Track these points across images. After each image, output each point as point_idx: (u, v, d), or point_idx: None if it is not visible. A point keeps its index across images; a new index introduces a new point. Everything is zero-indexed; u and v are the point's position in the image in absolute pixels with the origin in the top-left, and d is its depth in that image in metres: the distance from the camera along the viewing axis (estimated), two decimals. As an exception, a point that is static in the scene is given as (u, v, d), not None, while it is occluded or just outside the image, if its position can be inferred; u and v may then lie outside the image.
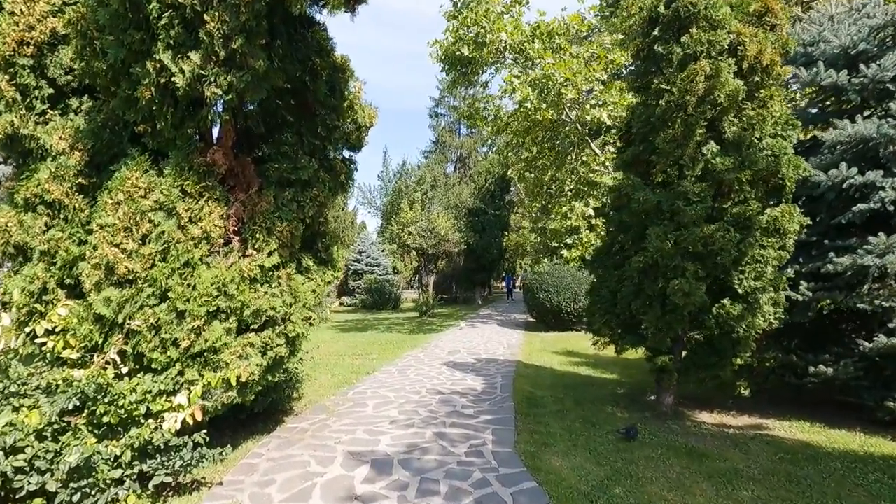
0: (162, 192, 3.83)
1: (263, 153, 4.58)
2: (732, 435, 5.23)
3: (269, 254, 4.18)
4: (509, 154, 17.64)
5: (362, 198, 26.63)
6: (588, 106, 12.00)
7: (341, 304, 25.41)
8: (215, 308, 3.87)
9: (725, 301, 5.20)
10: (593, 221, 14.64)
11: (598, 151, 15.16)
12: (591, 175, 14.92)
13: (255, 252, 4.12)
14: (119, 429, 3.54)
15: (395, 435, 5.05)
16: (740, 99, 5.07)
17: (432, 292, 22.88)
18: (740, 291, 5.18)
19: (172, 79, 3.43)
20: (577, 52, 11.63)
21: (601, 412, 6.10)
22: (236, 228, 4.10)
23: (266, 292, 4.18)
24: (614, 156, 14.51)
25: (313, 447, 4.74)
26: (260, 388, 4.47)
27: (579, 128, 14.77)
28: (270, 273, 4.24)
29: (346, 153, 5.22)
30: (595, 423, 5.60)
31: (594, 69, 11.34)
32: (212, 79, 3.40)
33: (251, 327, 4.16)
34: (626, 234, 6.10)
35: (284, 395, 5.71)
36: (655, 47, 5.43)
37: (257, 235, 4.12)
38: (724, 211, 5.18)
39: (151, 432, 3.47)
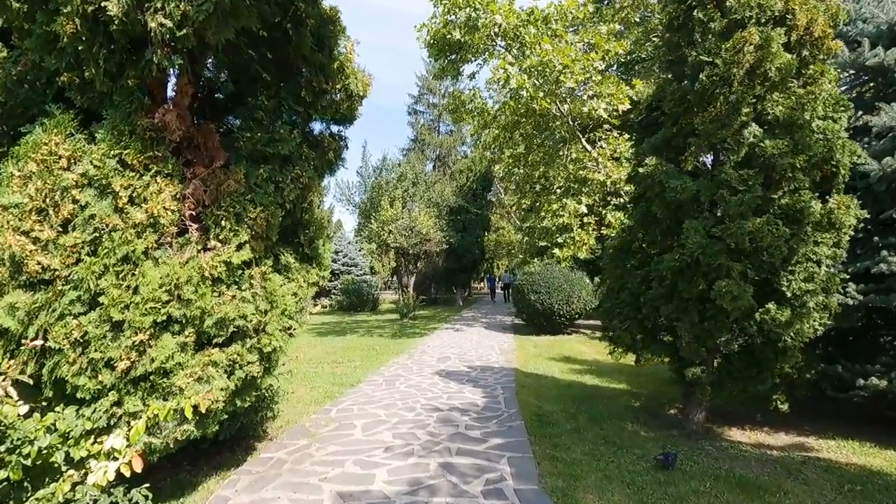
0: (92, 164, 2.88)
1: (232, 123, 3.65)
2: (778, 459, 4.58)
3: (239, 247, 3.26)
4: (496, 149, 16.93)
5: (339, 194, 25.49)
6: (585, 97, 11.37)
7: (323, 306, 24.22)
8: (165, 317, 2.94)
9: (770, 305, 4.54)
10: (585, 220, 14.06)
11: (588, 147, 14.62)
12: (581, 172, 14.34)
13: (219, 244, 3.20)
14: (27, 485, 2.58)
15: (392, 468, 4.19)
16: (791, 75, 4.42)
17: (413, 294, 21.96)
18: (788, 294, 4.54)
19: (103, 4, 2.50)
20: (574, 41, 10.98)
21: (622, 431, 5.38)
22: (195, 214, 3.18)
23: (234, 296, 3.27)
24: (608, 151, 13.99)
25: (293, 486, 3.83)
26: (226, 416, 3.55)
27: (570, 122, 14.18)
28: (240, 272, 3.32)
29: (335, 128, 4.33)
30: (620, 446, 4.87)
31: (592, 58, 10.71)
32: (158, 4, 2.48)
33: (214, 341, 3.24)
34: (651, 229, 5.41)
35: (256, 418, 4.76)
36: (694, 13, 4.73)
37: (223, 223, 3.20)
38: (771, 202, 4.52)
39: (71, 489, 2.53)
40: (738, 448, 4.87)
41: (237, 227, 3.22)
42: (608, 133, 14.31)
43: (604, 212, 13.94)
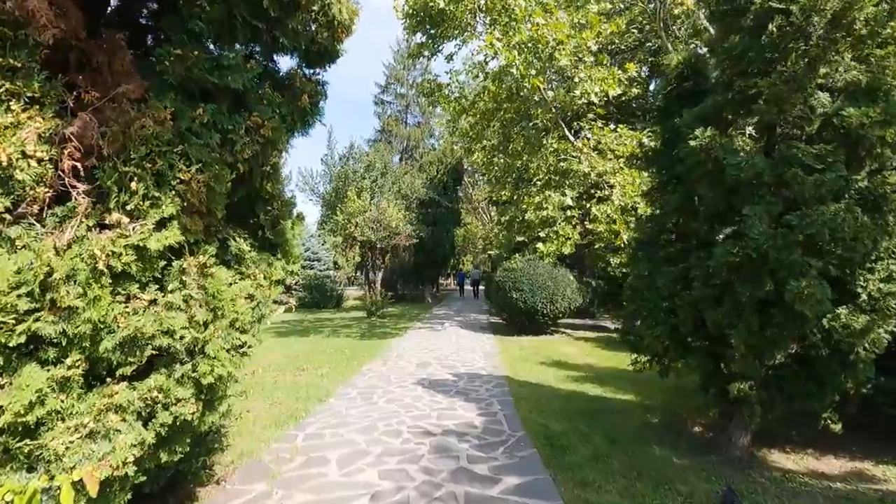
0: None
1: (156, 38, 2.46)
2: (849, 495, 3.81)
3: (160, 224, 2.11)
4: (473, 137, 15.94)
5: (302, 183, 23.82)
6: (576, 79, 10.53)
7: (289, 308, 22.53)
8: (26, 337, 1.76)
9: (842, 310, 3.76)
10: (569, 213, 13.30)
11: (571, 137, 13.87)
12: (561, 164, 13.58)
13: (126, 219, 2.03)
14: None
15: (384, 529, 3.12)
16: (881, 27, 3.63)
17: (381, 290, 20.68)
18: (863, 296, 3.78)
19: None
20: (564, 19, 10.11)
21: (650, 457, 4.51)
22: (83, 168, 1.99)
23: (153, 301, 2.11)
24: (593, 142, 13.28)
25: (246, 569, 2.70)
26: (144, 478, 2.38)
27: (553, 110, 13.38)
28: (162, 263, 2.16)
29: (308, 71, 3.17)
30: (659, 481, 3.98)
31: (586, 37, 9.88)
32: None
33: (120, 372, 2.07)
34: (690, 218, 4.55)
35: (197, 464, 3.56)
36: (762, -51, 3.87)
37: (134, 186, 2.03)
38: (848, 185, 3.73)
39: None
40: (795, 479, 4.09)
41: (158, 194, 2.06)
42: (592, 123, 13.61)
43: (588, 205, 13.22)
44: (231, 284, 2.46)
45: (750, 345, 3.90)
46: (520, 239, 16.11)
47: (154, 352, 2.12)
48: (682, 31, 19.94)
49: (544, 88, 12.23)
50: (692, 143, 3.92)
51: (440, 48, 12.69)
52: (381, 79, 50.54)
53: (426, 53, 13.83)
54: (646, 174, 13.71)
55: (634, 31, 17.68)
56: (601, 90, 10.55)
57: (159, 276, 2.13)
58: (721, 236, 4.11)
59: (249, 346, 2.67)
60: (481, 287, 32.38)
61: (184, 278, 2.21)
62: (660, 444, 4.85)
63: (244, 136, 2.43)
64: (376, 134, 41.18)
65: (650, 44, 19.69)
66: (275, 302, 3.41)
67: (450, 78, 14.62)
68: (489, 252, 46.06)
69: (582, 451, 4.63)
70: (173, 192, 2.10)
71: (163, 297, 2.15)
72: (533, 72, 9.46)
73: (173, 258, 2.21)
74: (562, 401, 6.38)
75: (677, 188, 4.58)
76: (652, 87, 22.01)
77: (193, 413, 2.34)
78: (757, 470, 4.26)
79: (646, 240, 5.00)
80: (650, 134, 13.52)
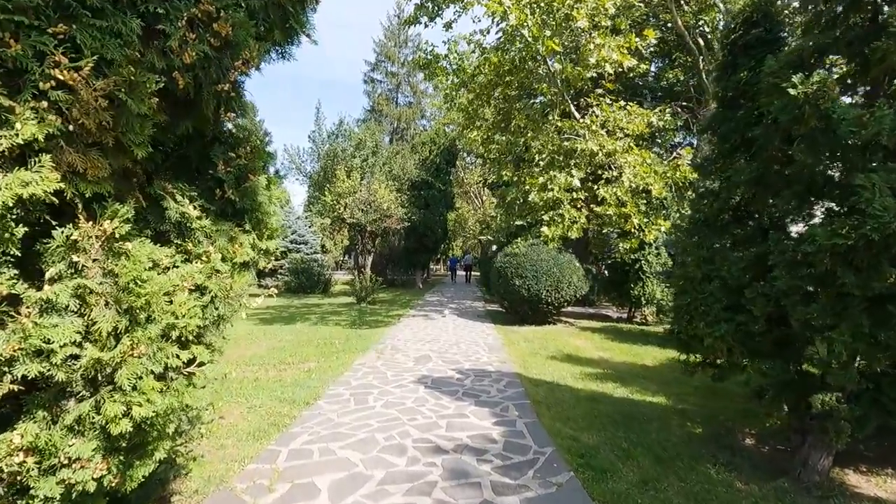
0: None
1: None
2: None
3: (19, 158, 1.15)
4: (472, 114, 14.93)
5: (289, 161, 22.53)
6: (591, 46, 9.55)
7: (267, 287, 21.47)
8: None
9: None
10: (575, 195, 12.43)
11: (577, 115, 12.97)
12: (565, 143, 12.68)
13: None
14: None
15: None
16: None
17: (371, 275, 19.68)
18: None
19: None
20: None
21: (708, 481, 3.74)
22: None
23: (15, 297, 1.17)
24: (600, 119, 12.38)
25: None
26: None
27: (560, 85, 12.43)
28: (34, 230, 1.22)
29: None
30: (732, 516, 3.20)
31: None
32: None
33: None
34: (766, 192, 3.70)
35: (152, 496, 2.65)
36: None
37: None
38: None
39: None
40: (893, 512, 3.34)
41: (8, 102, 1.11)
42: (601, 99, 12.69)
43: (596, 187, 12.38)
44: (167, 270, 1.54)
45: (854, 350, 3.09)
46: (519, 223, 15.28)
47: (17, 387, 1.21)
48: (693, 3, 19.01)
49: (552, 59, 11.26)
50: (792, 91, 3.03)
51: (440, 11, 11.62)
52: (370, 55, 48.89)
53: (423, 19, 12.76)
54: (653, 153, 12.90)
55: (641, 4, 16.74)
56: (618, 59, 9.60)
57: (20, 253, 1.21)
58: (818, 213, 3.27)
59: (203, 364, 1.76)
60: (474, 273, 31.64)
61: (75, 258, 1.30)
62: (714, 462, 4.08)
63: (185, 30, 1.49)
64: (366, 114, 39.90)
65: (655, 20, 18.79)
66: (252, 293, 2.50)
67: (448, 49, 13.59)
68: (479, 237, 45.31)
69: (626, 473, 3.83)
70: (44, 103, 1.17)
71: (33, 291, 1.23)
72: (548, 32, 8.46)
73: (55, 223, 1.29)
74: (586, 405, 5.58)
75: (753, 155, 3.72)
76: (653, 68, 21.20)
77: (101, 476, 1.42)
78: (840, 499, 3.50)
79: (703, 220, 4.15)
80: (658, 112, 12.72)
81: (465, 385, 6.21)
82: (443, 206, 25.92)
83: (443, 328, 11.23)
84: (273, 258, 2.18)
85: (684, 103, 19.13)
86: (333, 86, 64.95)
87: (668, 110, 13.39)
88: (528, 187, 12.92)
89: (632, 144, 12.17)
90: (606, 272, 14.45)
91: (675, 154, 13.84)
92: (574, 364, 7.67)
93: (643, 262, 12.27)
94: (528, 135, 12.71)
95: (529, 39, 8.59)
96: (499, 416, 5.04)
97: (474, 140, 16.11)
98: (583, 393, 6.08)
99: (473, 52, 13.53)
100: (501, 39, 11.56)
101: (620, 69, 10.50)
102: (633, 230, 11.48)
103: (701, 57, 17.95)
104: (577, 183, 11.73)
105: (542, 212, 12.49)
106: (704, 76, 18.01)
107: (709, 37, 18.61)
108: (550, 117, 12.73)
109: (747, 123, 3.94)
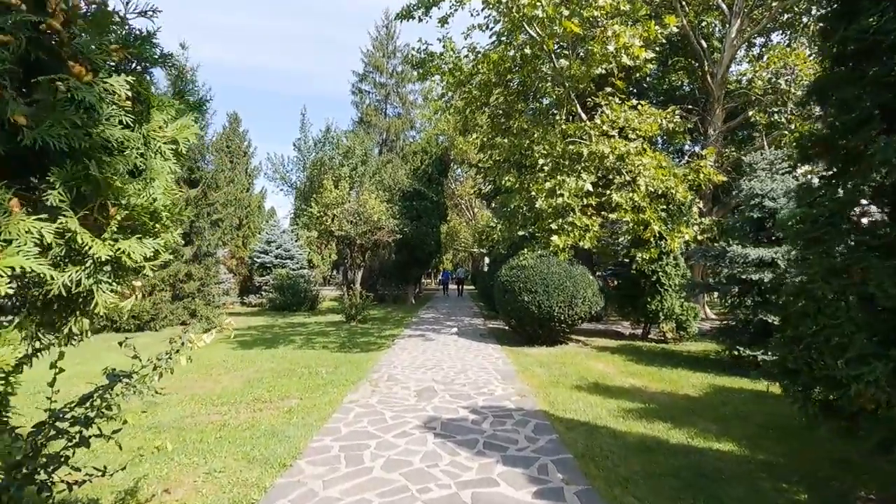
0: None
1: None
2: None
3: None
4: (469, 115, 13.94)
5: (273, 171, 21.26)
6: (609, 33, 8.58)
7: (251, 305, 20.01)
8: None
9: None
10: (586, 201, 11.38)
11: (584, 116, 12.03)
12: (570, 147, 11.69)
13: None
14: None
15: None
16: None
17: (361, 290, 18.33)
18: None
19: None
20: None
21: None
22: None
23: None
24: (610, 120, 11.42)
25: None
26: None
27: (566, 84, 11.49)
28: None
29: None
30: None
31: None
32: None
33: None
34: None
35: None
36: None
37: None
38: None
39: None
40: None
41: None
42: (610, 98, 11.74)
43: (608, 192, 11.34)
44: None
45: None
46: (521, 233, 14.20)
47: None
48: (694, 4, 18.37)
49: (561, 49, 10.29)
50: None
51: (437, 1, 10.66)
52: (358, 66, 48.10)
53: (418, 13, 11.82)
54: (661, 156, 11.91)
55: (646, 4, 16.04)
56: (639, 46, 8.64)
57: None
58: None
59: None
60: (467, 287, 30.51)
61: None
62: (848, 552, 2.90)
63: None
64: (354, 125, 38.90)
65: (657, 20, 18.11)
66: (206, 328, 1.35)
67: (443, 46, 12.66)
68: (472, 251, 44.18)
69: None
70: None
71: None
72: (565, 12, 7.46)
73: None
74: (640, 457, 4.39)
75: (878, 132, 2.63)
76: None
77: None
78: None
79: (825, 219, 3.04)
80: (668, 114, 11.81)
81: (484, 431, 4.99)
82: (435, 218, 24.84)
83: (444, 351, 10.00)
84: (148, 273, 1.02)
85: (689, 106, 18.39)
86: (321, 99, 64.06)
87: (677, 111, 12.50)
88: (534, 193, 11.86)
89: (646, 146, 11.23)
90: (618, 284, 13.38)
91: (690, 156, 12.94)
92: (605, 396, 6.49)
93: (661, 273, 11.23)
94: (534, 136, 11.70)
95: (545, 20, 7.56)
96: (538, 480, 3.82)
97: (470, 146, 15.09)
98: (630, 438, 4.90)
99: (467, 56, 12.63)
100: (503, 31, 10.60)
101: (637, 61, 9.56)
102: (652, 238, 10.46)
103: (706, 60, 17.27)
104: (589, 187, 10.69)
105: (550, 220, 11.42)
106: (709, 79, 17.32)
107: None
108: (558, 116, 11.76)
109: (885, 85, 2.86)
